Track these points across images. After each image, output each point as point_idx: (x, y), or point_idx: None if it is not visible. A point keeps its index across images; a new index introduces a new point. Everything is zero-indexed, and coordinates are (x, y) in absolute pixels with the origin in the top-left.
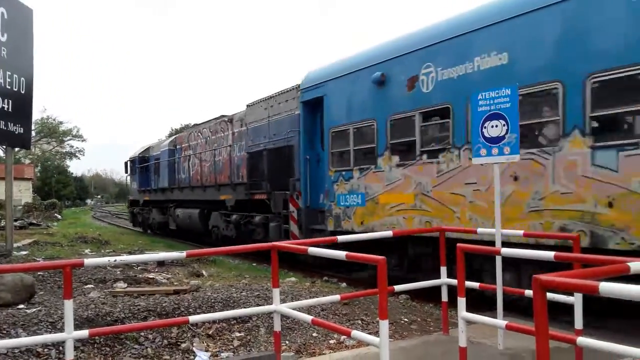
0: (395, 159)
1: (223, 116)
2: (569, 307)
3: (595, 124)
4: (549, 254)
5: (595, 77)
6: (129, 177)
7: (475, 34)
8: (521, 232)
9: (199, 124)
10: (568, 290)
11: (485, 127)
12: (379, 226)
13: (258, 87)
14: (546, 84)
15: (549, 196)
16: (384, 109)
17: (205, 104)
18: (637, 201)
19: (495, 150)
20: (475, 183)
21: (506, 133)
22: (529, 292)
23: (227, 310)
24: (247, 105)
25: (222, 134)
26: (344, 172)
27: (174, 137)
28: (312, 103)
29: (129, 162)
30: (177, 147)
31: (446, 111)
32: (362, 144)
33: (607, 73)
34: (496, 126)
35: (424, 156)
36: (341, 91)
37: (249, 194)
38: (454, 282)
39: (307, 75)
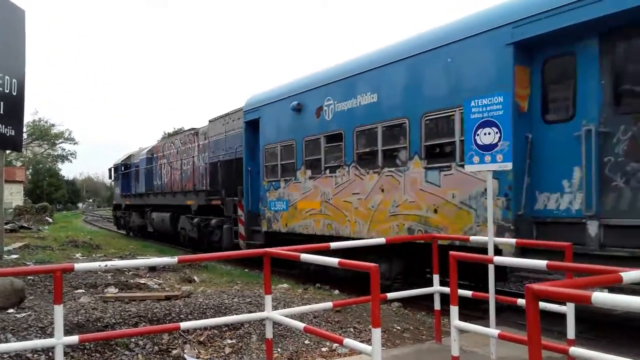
0: (309, 172)
1: (192, 129)
2: (562, 317)
3: (427, 151)
4: (542, 263)
5: (427, 116)
6: (113, 183)
7: (358, 77)
8: (513, 240)
9: (173, 135)
10: (561, 299)
11: (477, 135)
12: (298, 227)
13: (260, 85)
14: (399, 119)
15: (402, 204)
16: (300, 132)
17: (204, 104)
18: (452, 209)
19: (487, 158)
20: (359, 193)
21: (499, 141)
22: (521, 301)
23: (219, 316)
24: (209, 121)
25: (190, 145)
26: (273, 183)
27: (152, 146)
28: (252, 123)
29: (112, 169)
30: (154, 155)
31: (340, 136)
32: (286, 159)
33: (433, 113)
34: (489, 134)
35: (327, 171)
36: (272, 115)
37: (208, 199)
38: (447, 290)
39: (249, 99)
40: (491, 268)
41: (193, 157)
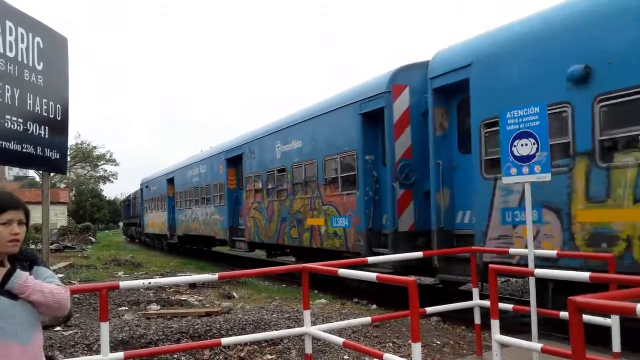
0: (159, 209)
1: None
2: (606, 330)
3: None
4: (584, 275)
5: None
6: (123, 211)
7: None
8: (554, 252)
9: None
10: (605, 312)
11: (514, 146)
12: (154, 230)
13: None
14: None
15: (163, 223)
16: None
17: (240, 120)
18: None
19: (525, 169)
20: (158, 217)
21: (536, 151)
22: (564, 314)
23: (259, 332)
24: (143, 180)
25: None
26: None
27: (135, 191)
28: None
29: (122, 202)
30: (136, 196)
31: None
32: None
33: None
34: (526, 145)
35: (158, 210)
36: (154, 183)
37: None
38: (487, 303)
39: (145, 178)
40: (532, 280)
41: (141, 198)
